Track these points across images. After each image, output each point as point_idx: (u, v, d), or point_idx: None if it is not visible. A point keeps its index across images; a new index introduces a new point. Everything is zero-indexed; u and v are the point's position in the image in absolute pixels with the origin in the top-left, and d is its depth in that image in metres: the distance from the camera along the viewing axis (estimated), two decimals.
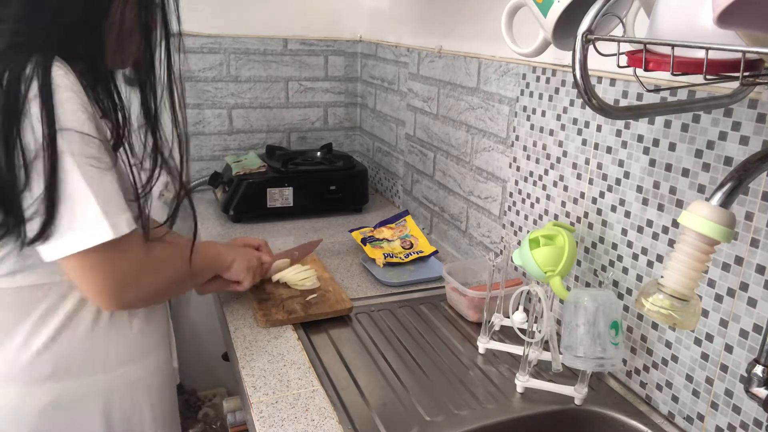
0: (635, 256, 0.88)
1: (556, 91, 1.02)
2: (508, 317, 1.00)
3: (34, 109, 0.66)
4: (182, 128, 0.86)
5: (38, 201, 0.68)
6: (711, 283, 0.76)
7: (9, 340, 0.77)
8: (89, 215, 0.70)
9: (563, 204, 1.03)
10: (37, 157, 0.67)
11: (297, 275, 1.16)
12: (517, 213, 1.16)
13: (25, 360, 0.78)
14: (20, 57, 0.67)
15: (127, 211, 0.74)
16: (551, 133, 1.04)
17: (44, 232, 0.69)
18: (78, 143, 0.69)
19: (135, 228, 0.75)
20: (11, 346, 0.77)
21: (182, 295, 1.91)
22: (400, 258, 1.33)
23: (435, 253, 1.36)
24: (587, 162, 0.96)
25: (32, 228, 0.69)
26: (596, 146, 0.94)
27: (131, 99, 0.84)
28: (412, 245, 1.38)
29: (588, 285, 0.99)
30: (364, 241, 1.39)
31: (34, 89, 0.66)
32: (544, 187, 1.07)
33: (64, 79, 0.69)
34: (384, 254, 1.33)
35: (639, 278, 0.88)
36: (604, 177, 0.93)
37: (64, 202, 0.69)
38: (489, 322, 1.02)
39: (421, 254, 1.35)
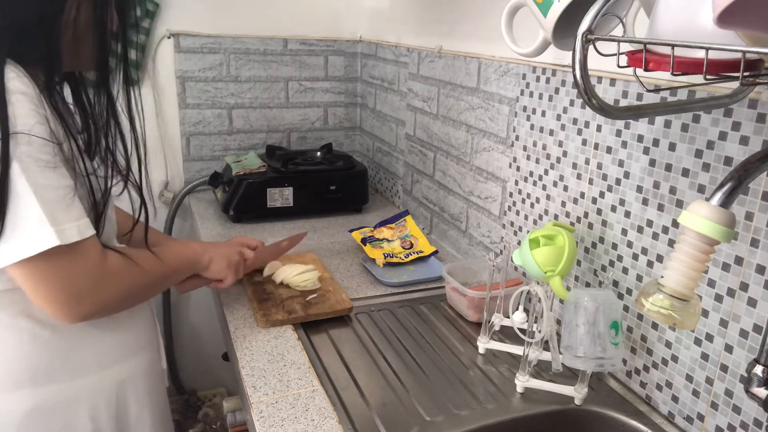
0: (635, 256, 0.88)
1: (556, 91, 1.02)
2: (508, 317, 1.00)
3: None
4: (140, 129, 0.84)
5: None
6: (711, 283, 0.76)
7: None
8: (32, 222, 0.67)
9: (563, 204, 1.03)
10: None
11: (298, 276, 1.16)
12: (517, 213, 1.16)
13: (1, 368, 0.77)
14: None
15: (81, 217, 0.72)
16: (551, 133, 1.04)
17: None
18: (27, 147, 0.67)
19: (89, 235, 0.72)
20: None
21: (182, 296, 1.91)
22: (400, 258, 1.33)
23: (435, 253, 1.36)
24: (587, 162, 0.96)
25: None
26: (596, 146, 0.94)
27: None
28: (412, 245, 1.38)
29: (588, 285, 0.99)
30: (364, 241, 1.39)
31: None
32: (544, 187, 1.07)
33: (15, 82, 0.67)
34: (384, 254, 1.33)
35: (639, 278, 0.88)
36: (604, 177, 0.93)
37: (9, 207, 0.67)
38: (489, 322, 1.02)
39: (421, 254, 1.35)
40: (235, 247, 1.07)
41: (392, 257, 1.32)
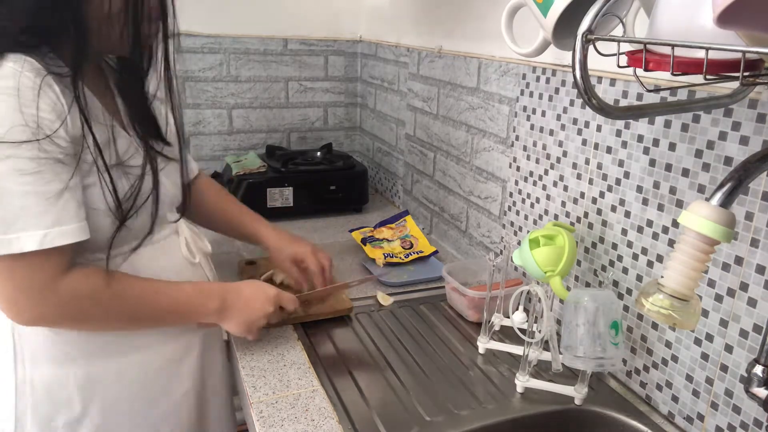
0: (635, 256, 0.88)
1: (556, 91, 1.02)
2: (508, 317, 1.00)
3: None
4: (180, 120, 0.84)
5: None
6: (711, 283, 0.76)
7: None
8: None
9: (563, 204, 1.03)
10: None
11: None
12: (517, 213, 1.16)
13: (53, 341, 0.79)
14: None
15: (56, 225, 0.70)
16: (551, 133, 1.04)
17: None
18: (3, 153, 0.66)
19: (49, 246, 0.69)
20: (37, 329, 0.78)
21: None
22: (400, 258, 1.33)
23: (435, 253, 1.36)
24: (587, 162, 0.96)
25: None
26: (596, 146, 0.94)
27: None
28: (412, 245, 1.38)
29: (588, 285, 0.98)
30: (364, 241, 1.39)
31: None
32: (544, 187, 1.07)
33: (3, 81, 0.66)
34: (384, 254, 1.33)
35: (639, 278, 0.88)
36: (604, 177, 0.93)
37: None
38: (489, 322, 1.02)
39: (421, 254, 1.35)
40: (267, 301, 0.91)
41: (392, 257, 1.32)
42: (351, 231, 1.47)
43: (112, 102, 0.83)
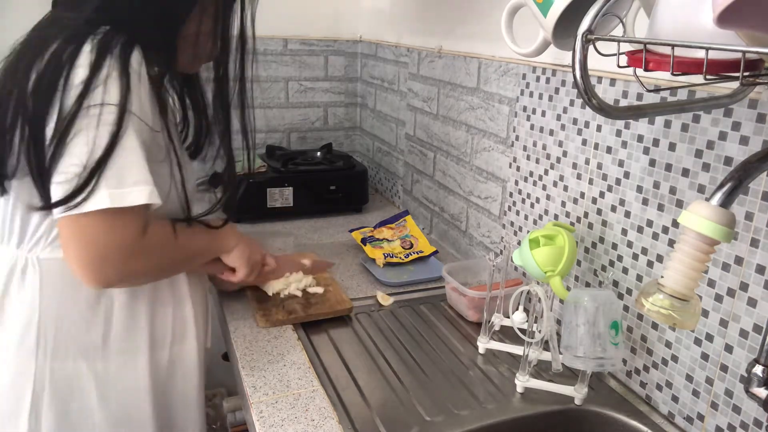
0: (635, 256, 0.88)
1: (556, 91, 1.02)
2: (508, 317, 1.00)
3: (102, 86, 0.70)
4: (252, 128, 0.95)
5: (76, 166, 0.70)
6: (711, 283, 0.76)
7: (63, 309, 0.82)
8: (101, 181, 0.71)
9: (563, 204, 1.03)
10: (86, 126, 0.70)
11: (301, 286, 1.16)
12: (517, 213, 1.16)
13: (80, 330, 0.83)
14: (109, 34, 0.73)
15: (132, 185, 0.73)
16: (551, 133, 1.04)
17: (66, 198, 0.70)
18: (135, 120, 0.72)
19: (139, 203, 0.73)
20: (65, 316, 0.82)
21: None
22: (400, 258, 1.33)
23: (435, 253, 1.36)
24: (587, 162, 0.96)
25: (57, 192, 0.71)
26: (596, 146, 0.94)
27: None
28: (412, 245, 1.38)
29: (588, 285, 0.98)
30: (364, 241, 1.39)
31: (112, 67, 0.71)
32: (544, 187, 1.07)
33: (136, 65, 0.73)
34: (384, 254, 1.33)
35: (639, 278, 0.88)
36: (604, 177, 0.93)
37: (108, 166, 0.71)
38: (489, 322, 1.02)
39: (421, 254, 1.35)
40: (261, 249, 1.07)
41: (392, 257, 1.32)
42: (351, 231, 1.47)
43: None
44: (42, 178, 0.71)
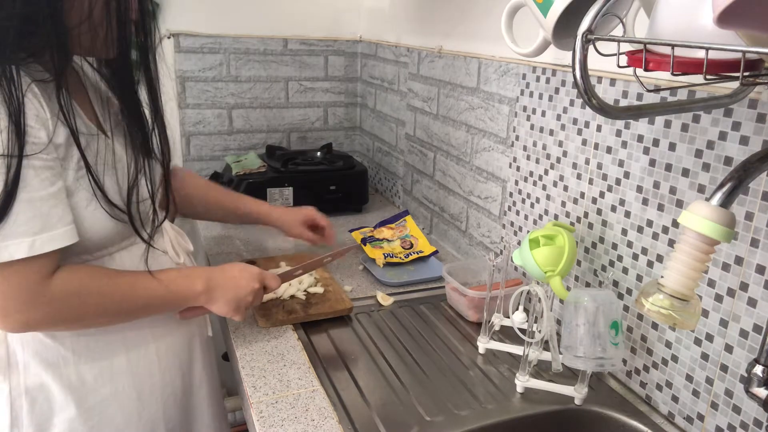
0: (635, 256, 0.88)
1: (556, 91, 1.02)
2: (508, 317, 1.00)
3: None
4: (161, 111, 0.85)
5: None
6: (711, 283, 0.76)
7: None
8: None
9: (563, 204, 1.03)
10: None
11: (299, 286, 1.15)
12: (517, 213, 1.16)
13: (45, 345, 0.80)
14: None
15: (42, 231, 0.70)
16: (551, 133, 1.04)
17: None
18: None
19: (35, 254, 0.70)
20: (29, 333, 0.79)
21: None
22: (400, 258, 1.33)
23: (435, 253, 1.36)
24: (587, 162, 0.96)
25: None
26: (596, 146, 0.94)
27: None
28: (412, 245, 1.38)
29: (588, 285, 0.98)
30: (364, 241, 1.39)
31: None
32: (544, 187, 1.07)
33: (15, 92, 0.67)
34: (384, 254, 1.33)
35: (639, 278, 0.88)
36: (604, 177, 0.93)
37: None
38: (489, 322, 1.02)
39: (421, 254, 1.35)
40: (253, 281, 0.94)
41: (392, 257, 1.32)
42: (351, 231, 1.47)
43: (89, 106, 0.84)
44: None
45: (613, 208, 0.91)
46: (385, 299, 1.17)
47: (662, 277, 0.56)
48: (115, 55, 0.78)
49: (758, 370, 0.60)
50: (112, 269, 0.82)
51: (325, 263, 1.12)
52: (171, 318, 0.91)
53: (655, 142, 0.83)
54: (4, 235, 0.68)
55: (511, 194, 1.18)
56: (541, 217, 1.09)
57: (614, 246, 0.92)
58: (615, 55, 0.58)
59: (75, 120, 0.74)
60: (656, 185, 0.83)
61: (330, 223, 1.18)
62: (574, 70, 0.56)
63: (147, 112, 0.86)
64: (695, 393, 0.80)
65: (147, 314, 0.86)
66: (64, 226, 0.73)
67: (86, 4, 0.71)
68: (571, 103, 0.99)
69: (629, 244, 0.89)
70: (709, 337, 0.77)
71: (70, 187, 0.75)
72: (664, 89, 0.78)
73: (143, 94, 0.85)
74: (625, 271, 0.90)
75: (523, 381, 0.89)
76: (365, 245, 1.37)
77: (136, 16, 0.76)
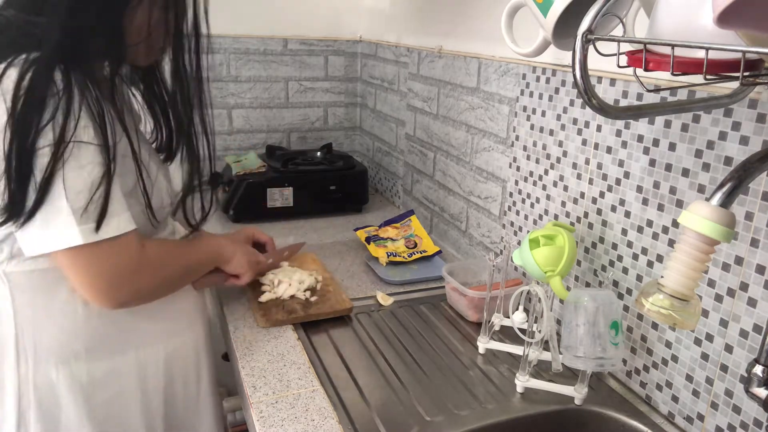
0: (635, 256, 0.88)
1: (556, 91, 1.02)
2: (508, 317, 1.00)
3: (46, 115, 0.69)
4: (211, 129, 0.92)
5: (31, 196, 0.70)
6: (711, 283, 0.76)
7: (38, 320, 0.80)
8: (60, 219, 0.71)
9: (563, 204, 1.03)
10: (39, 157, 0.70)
11: (299, 286, 1.15)
12: (517, 213, 1.16)
13: (57, 341, 0.81)
14: (40, 62, 0.70)
15: (116, 215, 0.75)
16: (551, 133, 1.04)
17: (22, 224, 0.71)
18: (72, 151, 0.70)
19: (127, 231, 0.77)
20: (42, 326, 0.81)
21: None
22: (404, 257, 1.33)
23: (439, 252, 1.37)
24: (587, 162, 0.96)
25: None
26: (596, 146, 0.94)
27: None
28: (416, 245, 1.39)
29: (588, 285, 0.98)
30: (368, 239, 1.39)
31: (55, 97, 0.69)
32: (544, 187, 1.07)
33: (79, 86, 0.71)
34: (387, 253, 1.33)
35: (639, 278, 0.88)
36: (604, 177, 0.93)
37: (45, 203, 0.71)
38: (489, 322, 1.02)
39: (424, 254, 1.35)
40: (253, 249, 1.09)
41: (395, 256, 1.32)
42: (356, 230, 1.47)
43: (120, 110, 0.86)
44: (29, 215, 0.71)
45: (613, 208, 0.91)
46: (385, 299, 1.17)
47: (662, 277, 0.56)
48: (151, 62, 0.86)
49: (758, 370, 0.60)
50: (174, 240, 0.91)
51: (285, 257, 1.23)
52: (180, 318, 0.93)
53: (655, 142, 0.83)
54: (110, 213, 0.74)
55: (511, 194, 1.18)
56: (541, 217, 1.09)
57: (614, 246, 0.92)
58: (615, 55, 0.58)
59: (126, 120, 0.80)
60: (656, 185, 0.83)
61: (271, 239, 1.20)
62: (574, 70, 0.57)
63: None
64: (695, 393, 0.80)
65: (198, 275, 0.95)
66: (138, 206, 0.81)
67: (146, 25, 0.77)
68: (571, 103, 0.99)
69: (629, 244, 0.89)
70: (709, 337, 0.77)
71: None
72: (664, 89, 0.78)
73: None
74: (625, 271, 0.90)
75: (523, 381, 0.89)
76: (369, 244, 1.37)
77: (189, 31, 0.83)
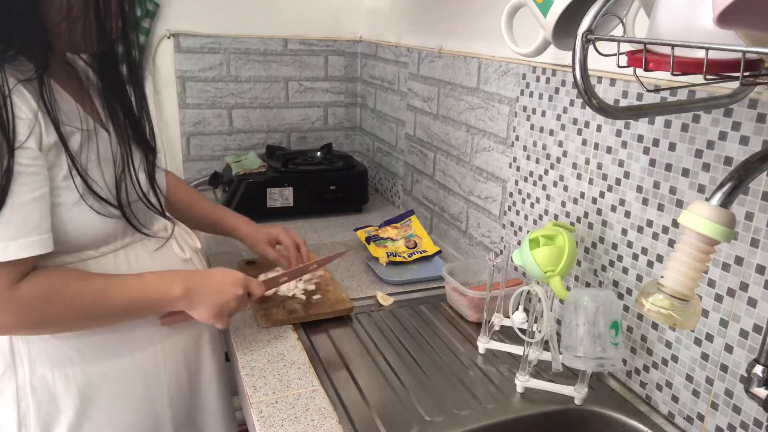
0: (635, 256, 0.88)
1: (556, 91, 1.02)
2: (508, 317, 1.00)
3: None
4: (147, 112, 0.86)
5: None
6: (711, 283, 0.76)
7: None
8: None
9: (563, 204, 1.03)
10: None
11: (299, 289, 1.15)
12: (517, 213, 1.16)
13: (51, 344, 0.80)
14: None
15: (13, 239, 0.69)
16: (551, 133, 1.04)
17: None
18: None
19: (6, 260, 0.69)
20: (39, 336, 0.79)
21: None
22: (404, 257, 1.33)
23: (439, 252, 1.37)
24: (587, 162, 0.96)
25: None
26: (596, 146, 0.94)
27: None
28: (416, 245, 1.39)
29: (588, 285, 0.98)
30: (368, 239, 1.39)
31: None
32: (544, 187, 1.07)
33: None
34: (387, 253, 1.33)
35: (639, 278, 0.88)
36: (604, 177, 0.93)
37: None
38: (489, 322, 1.02)
39: (424, 254, 1.35)
40: (236, 287, 0.90)
41: (395, 256, 1.32)
42: (356, 230, 1.47)
43: (89, 101, 0.84)
44: None
45: (613, 208, 0.91)
46: (385, 299, 1.17)
47: (662, 277, 0.56)
48: (97, 50, 0.78)
49: (758, 370, 0.60)
50: (88, 273, 0.79)
51: (310, 270, 1.11)
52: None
53: (655, 142, 0.83)
54: None
55: (511, 194, 1.18)
56: (541, 217, 1.09)
57: (614, 246, 0.92)
58: (615, 55, 0.58)
59: (59, 116, 0.73)
60: (656, 185, 0.83)
61: (293, 245, 1.10)
62: (574, 70, 0.56)
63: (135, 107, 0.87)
64: (695, 393, 0.80)
65: (125, 319, 0.83)
66: (39, 235, 0.71)
67: (65, 1, 0.71)
68: (571, 103, 0.99)
69: (629, 244, 0.89)
70: (709, 337, 0.77)
71: (60, 185, 0.74)
72: (664, 89, 0.78)
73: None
74: (625, 271, 0.90)
75: (523, 381, 0.89)
76: (369, 244, 1.37)
77: (116, 9, 0.76)
